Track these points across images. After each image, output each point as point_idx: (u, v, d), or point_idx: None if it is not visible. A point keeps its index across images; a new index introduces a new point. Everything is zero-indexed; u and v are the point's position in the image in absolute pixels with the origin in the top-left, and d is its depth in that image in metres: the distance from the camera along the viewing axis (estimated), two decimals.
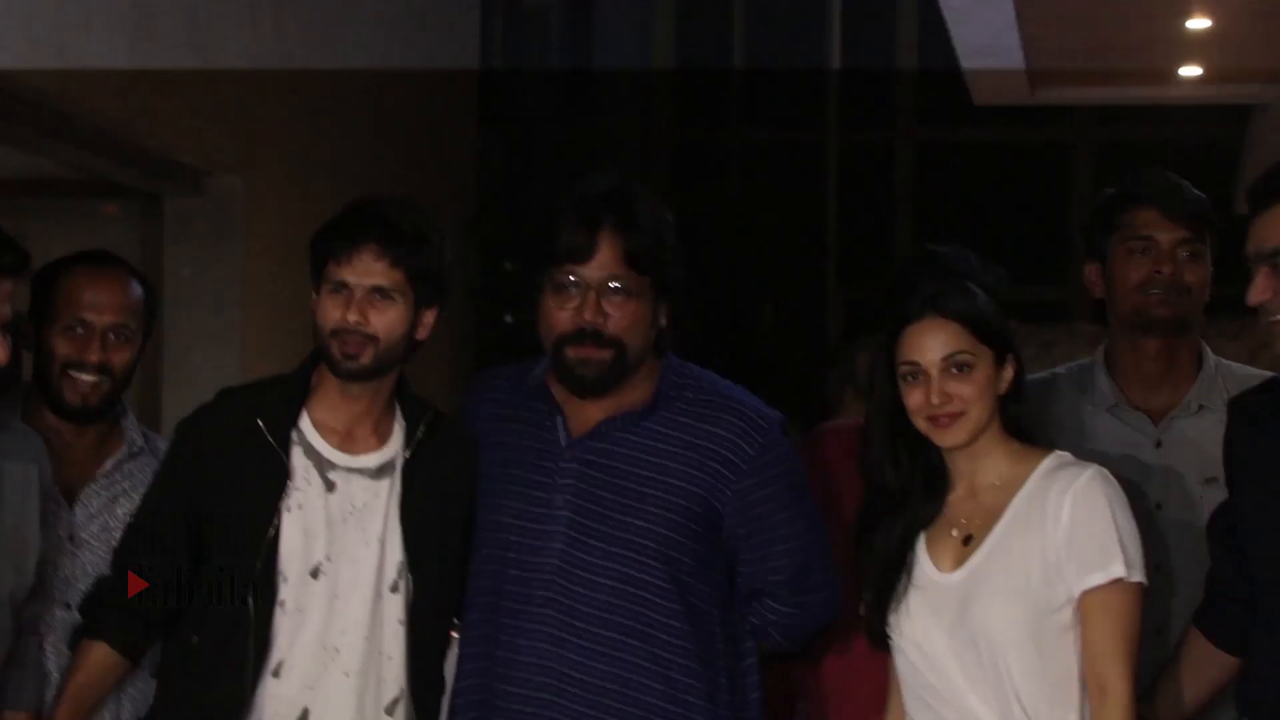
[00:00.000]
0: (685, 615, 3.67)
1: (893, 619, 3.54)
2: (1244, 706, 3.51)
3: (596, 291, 3.65)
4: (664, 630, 3.65)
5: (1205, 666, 3.67)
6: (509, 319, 11.40)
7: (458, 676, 3.76)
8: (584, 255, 3.64)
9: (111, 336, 3.86)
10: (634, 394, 3.72)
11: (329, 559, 3.63)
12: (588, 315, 3.64)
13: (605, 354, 3.66)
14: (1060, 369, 4.22)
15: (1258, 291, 3.37)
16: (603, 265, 3.65)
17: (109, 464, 3.93)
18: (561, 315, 3.67)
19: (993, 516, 3.50)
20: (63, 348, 3.84)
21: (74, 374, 3.84)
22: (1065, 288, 14.44)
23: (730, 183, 14.64)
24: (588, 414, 3.72)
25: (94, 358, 3.84)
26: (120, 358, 3.88)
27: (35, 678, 3.71)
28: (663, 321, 3.74)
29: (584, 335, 3.65)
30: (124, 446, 3.96)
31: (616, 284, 3.65)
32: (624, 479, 3.67)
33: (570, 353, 3.66)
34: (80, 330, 3.85)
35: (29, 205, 7.34)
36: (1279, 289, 3.34)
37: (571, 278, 3.65)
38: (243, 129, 7.47)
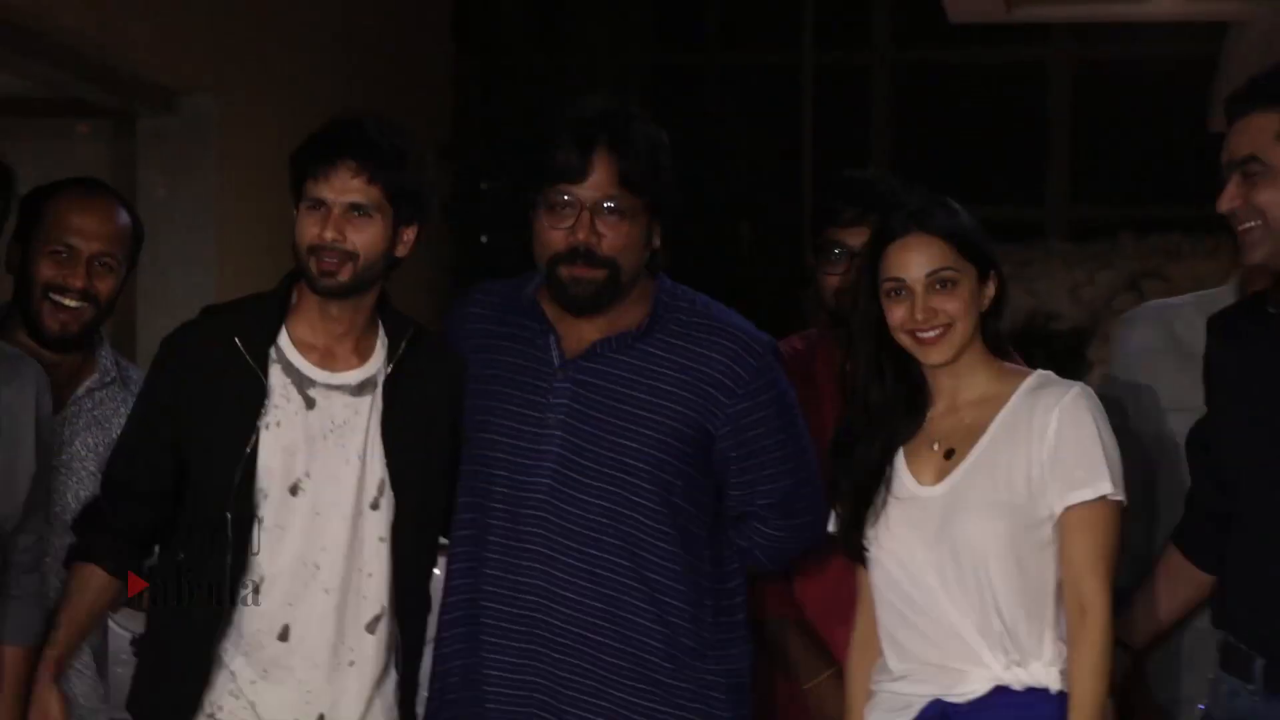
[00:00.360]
0: (674, 537, 3.67)
1: (870, 532, 3.53)
2: (1221, 621, 3.52)
3: (590, 211, 3.63)
4: (653, 551, 3.66)
5: (1180, 585, 3.68)
6: (484, 240, 11.39)
7: (445, 593, 3.76)
8: (578, 175, 3.63)
9: (97, 264, 3.82)
10: (627, 315, 3.71)
11: (308, 475, 3.61)
12: (581, 235, 3.63)
13: (598, 273, 3.64)
14: (1189, 297, 4.11)
15: (1227, 198, 3.37)
16: (597, 185, 3.63)
17: (80, 390, 3.90)
18: (555, 234, 3.65)
19: (974, 432, 3.49)
20: (47, 271, 3.79)
21: (56, 298, 3.79)
22: (1041, 208, 14.44)
23: (706, 104, 14.60)
24: (581, 334, 3.71)
25: (78, 283, 3.79)
26: (105, 286, 3.83)
27: (29, 609, 3.68)
28: (656, 243, 3.73)
29: (577, 254, 3.63)
30: (96, 374, 3.92)
31: (610, 204, 3.64)
32: (618, 400, 3.67)
33: (563, 271, 3.65)
34: (66, 255, 3.80)
35: (0, 123, 7.30)
36: (1249, 196, 3.35)
37: (565, 197, 3.64)
38: (215, 48, 7.43)
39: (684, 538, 3.69)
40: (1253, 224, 3.37)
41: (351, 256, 3.59)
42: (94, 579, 3.68)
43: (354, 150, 3.58)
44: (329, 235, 3.57)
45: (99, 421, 3.89)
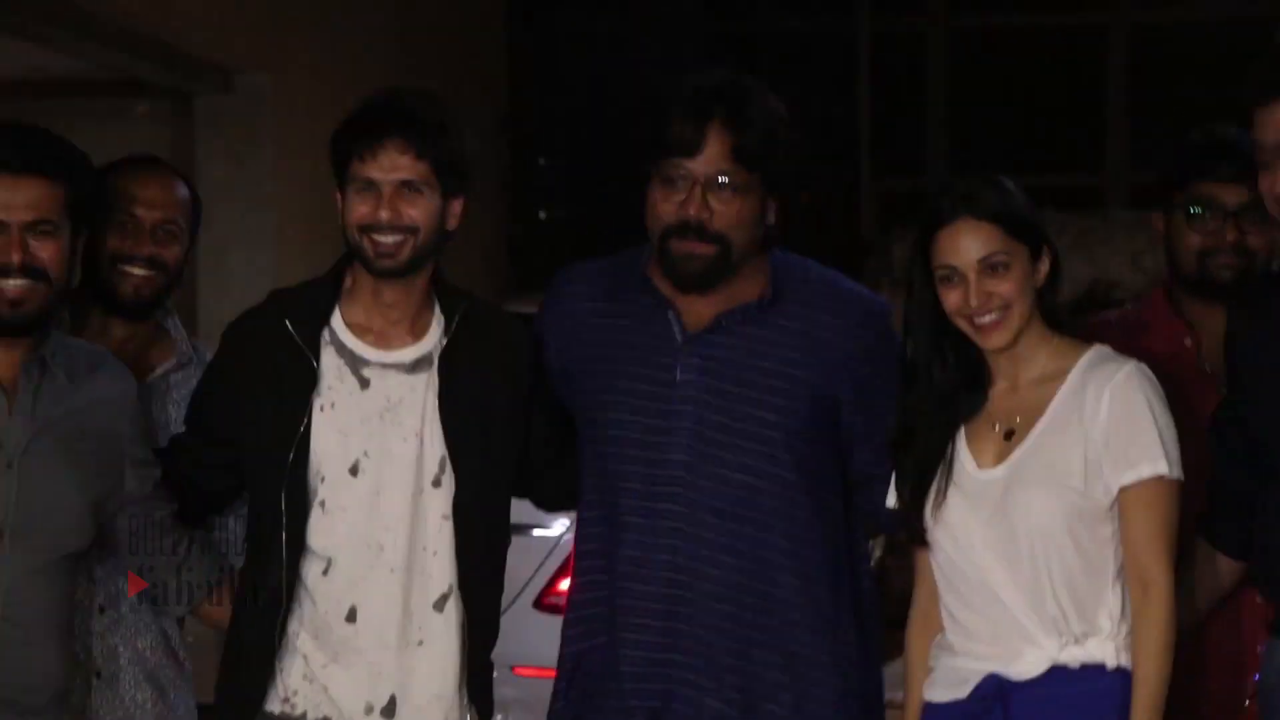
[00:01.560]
0: (812, 505, 3.68)
1: (930, 512, 3.53)
2: (1271, 591, 3.51)
3: (703, 186, 3.61)
4: (793, 522, 3.66)
5: (1209, 575, 3.67)
6: (542, 215, 11.38)
7: (575, 575, 3.75)
8: (692, 149, 3.61)
9: (160, 232, 3.90)
10: (745, 288, 3.70)
11: (367, 455, 3.62)
12: (693, 210, 3.61)
13: (709, 249, 3.63)
14: None
15: (1268, 183, 3.36)
16: (710, 160, 3.61)
17: (159, 370, 3.96)
18: (667, 208, 3.64)
19: (1035, 411, 3.49)
20: (113, 242, 3.88)
21: (125, 268, 3.87)
22: (1101, 175, 14.34)
23: (762, 73, 14.59)
24: (700, 308, 3.69)
25: (145, 250, 3.88)
26: (170, 253, 3.93)
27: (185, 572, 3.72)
28: (771, 219, 3.71)
29: (688, 229, 3.62)
30: (174, 357, 4.00)
31: (724, 179, 3.62)
32: (748, 371, 3.66)
33: (675, 245, 3.64)
34: (130, 225, 3.88)
35: (59, 105, 7.33)
36: None
37: (679, 170, 3.62)
38: (271, 26, 7.44)
39: (820, 506, 3.69)
40: None
41: (411, 231, 3.58)
42: None
43: (399, 127, 3.57)
44: (384, 215, 3.56)
45: (177, 403, 3.95)
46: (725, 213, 3.62)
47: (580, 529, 3.76)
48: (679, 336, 3.70)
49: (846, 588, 3.74)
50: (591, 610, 3.73)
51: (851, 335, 3.70)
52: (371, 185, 3.58)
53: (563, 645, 3.78)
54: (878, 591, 3.82)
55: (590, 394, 3.72)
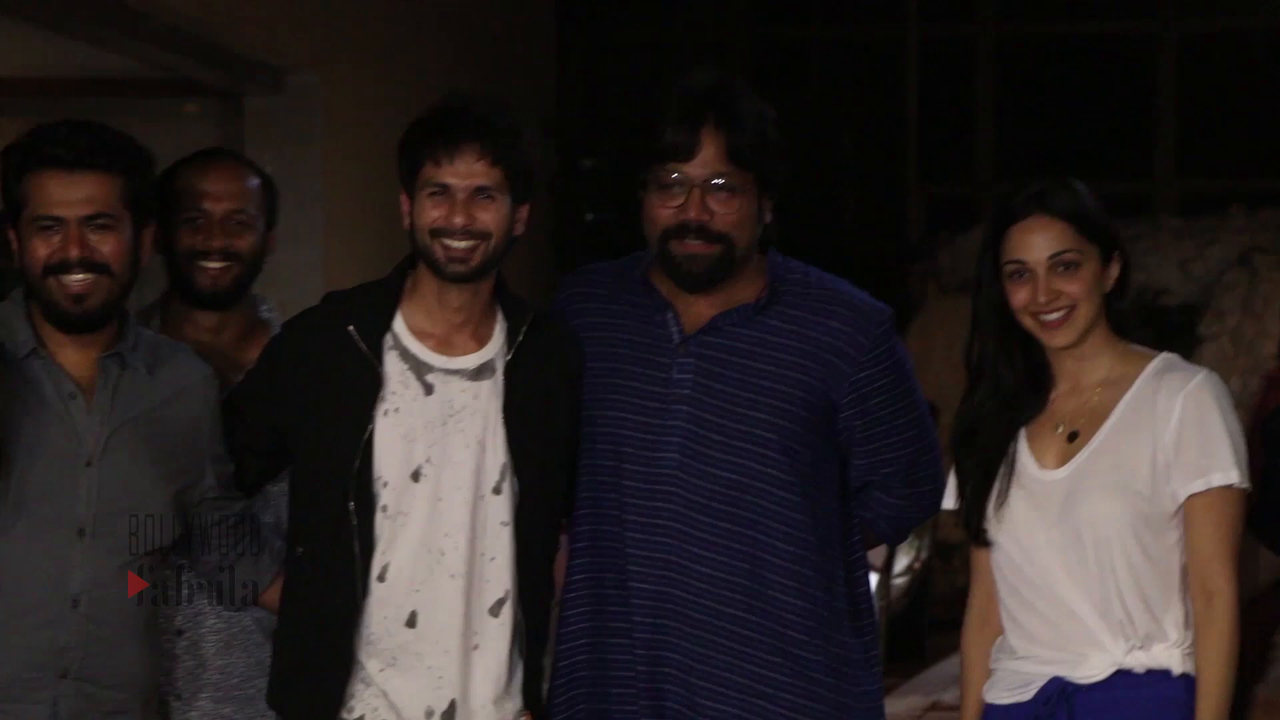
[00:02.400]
0: (805, 508, 3.67)
1: (991, 513, 3.52)
2: None
3: (701, 189, 3.62)
4: (785, 523, 3.65)
5: (1257, 570, 3.67)
6: (589, 217, 11.38)
7: (569, 573, 3.75)
8: (687, 153, 3.61)
9: (231, 223, 3.88)
10: (743, 290, 3.70)
11: (430, 461, 3.60)
12: (692, 213, 3.61)
13: (713, 249, 3.63)
14: None
15: None
16: (706, 163, 3.62)
17: (254, 355, 3.95)
18: (665, 212, 3.64)
19: (1099, 414, 3.48)
20: (186, 239, 3.87)
21: (200, 263, 3.86)
22: (1150, 182, 14.29)
23: (810, 79, 14.54)
24: (698, 309, 3.70)
25: (217, 243, 3.86)
26: (243, 242, 3.89)
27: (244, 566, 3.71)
28: (768, 217, 3.72)
29: (688, 230, 3.62)
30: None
31: (720, 180, 3.62)
32: (743, 373, 3.66)
33: (675, 247, 3.64)
34: (200, 220, 3.87)
35: (110, 105, 7.36)
36: None
37: (675, 175, 3.63)
38: (321, 26, 7.46)
39: (814, 509, 3.68)
40: None
41: (484, 237, 3.57)
42: None
43: (475, 133, 3.56)
44: (459, 221, 3.55)
45: None
46: (725, 213, 3.63)
47: (576, 525, 3.76)
48: (676, 337, 3.71)
49: (843, 591, 3.74)
50: (585, 608, 3.72)
51: (848, 339, 3.69)
52: (445, 190, 3.57)
53: (558, 642, 3.78)
54: (869, 595, 3.81)
55: (591, 392, 3.73)
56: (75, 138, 3.45)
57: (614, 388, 3.70)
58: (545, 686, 3.75)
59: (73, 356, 3.47)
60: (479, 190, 3.56)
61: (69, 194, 3.41)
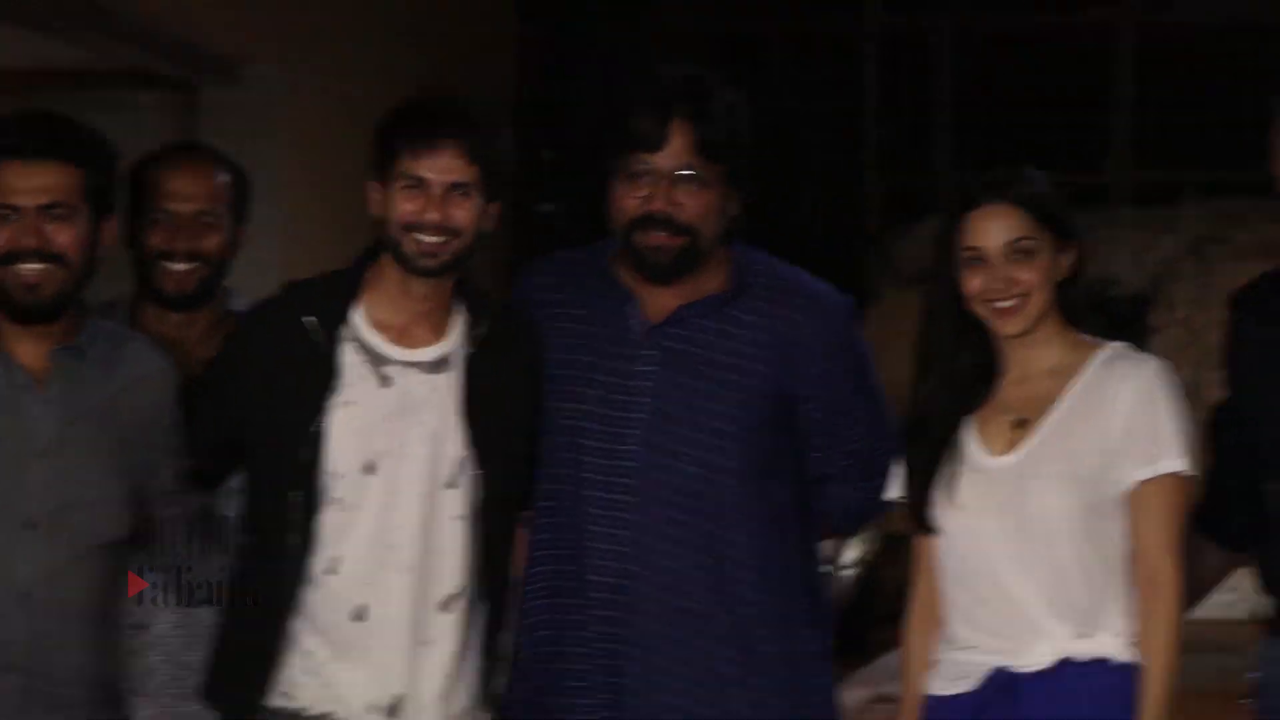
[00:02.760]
0: (766, 501, 3.69)
1: (940, 502, 3.54)
2: (1272, 587, 3.57)
3: (668, 180, 3.63)
4: (748, 517, 3.68)
5: (1199, 567, 3.68)
6: (547, 209, 11.37)
7: (530, 564, 3.76)
8: (656, 144, 3.64)
9: (197, 224, 3.89)
10: (707, 281, 3.72)
11: (385, 454, 3.61)
12: (659, 204, 3.64)
13: (678, 241, 3.65)
14: None
15: None
16: (674, 154, 3.64)
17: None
18: (632, 202, 3.66)
19: (1046, 402, 3.50)
20: (153, 239, 3.88)
21: (166, 264, 3.86)
22: (1105, 173, 14.32)
23: (769, 71, 14.56)
24: (662, 300, 3.71)
25: (181, 245, 3.87)
26: (210, 243, 3.91)
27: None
28: (734, 210, 3.72)
29: (654, 221, 3.63)
30: None
31: (688, 173, 3.64)
32: (706, 365, 3.68)
33: (640, 238, 3.66)
34: (167, 220, 3.87)
35: (65, 97, 7.32)
36: None
37: (643, 165, 3.63)
38: (278, 17, 7.44)
39: (774, 501, 3.70)
40: None
41: (455, 234, 3.57)
42: None
43: (457, 129, 3.58)
44: (432, 216, 3.56)
45: None
46: (692, 205, 3.65)
47: (538, 516, 3.77)
48: (639, 328, 3.72)
49: (802, 584, 3.75)
50: (544, 600, 3.74)
51: (812, 331, 3.71)
52: (421, 184, 3.58)
53: (516, 634, 3.78)
54: (829, 587, 3.84)
55: (550, 384, 3.74)
56: (33, 128, 3.45)
57: (575, 379, 3.71)
58: (503, 680, 3.76)
59: (28, 348, 3.46)
60: (455, 186, 3.57)
61: (26, 183, 3.41)
